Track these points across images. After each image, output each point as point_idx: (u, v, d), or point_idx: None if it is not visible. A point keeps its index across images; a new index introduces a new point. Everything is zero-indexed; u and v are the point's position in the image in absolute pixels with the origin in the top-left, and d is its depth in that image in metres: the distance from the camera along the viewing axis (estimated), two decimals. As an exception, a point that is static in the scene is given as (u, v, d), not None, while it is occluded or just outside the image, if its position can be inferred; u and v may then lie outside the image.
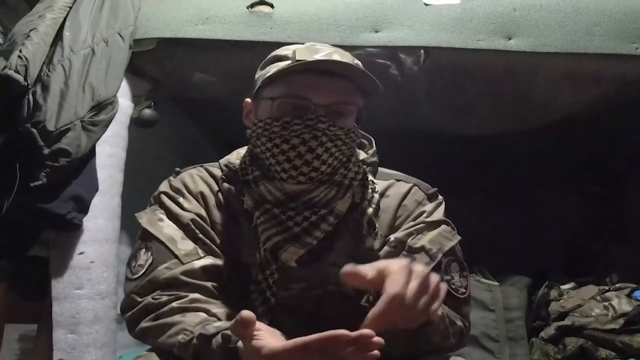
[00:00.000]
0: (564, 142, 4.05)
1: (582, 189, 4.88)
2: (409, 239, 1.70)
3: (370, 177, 1.79)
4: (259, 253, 1.68)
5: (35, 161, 2.25)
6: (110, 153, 2.58)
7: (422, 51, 2.74)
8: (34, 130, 2.25)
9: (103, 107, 2.43)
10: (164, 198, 1.77)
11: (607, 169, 4.62)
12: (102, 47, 2.53)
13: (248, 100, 1.79)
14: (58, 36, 2.48)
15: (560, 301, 3.33)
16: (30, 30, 2.41)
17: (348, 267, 1.28)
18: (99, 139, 2.44)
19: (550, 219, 4.83)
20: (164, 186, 1.82)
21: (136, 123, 2.78)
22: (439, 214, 1.78)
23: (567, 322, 3.14)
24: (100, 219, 2.49)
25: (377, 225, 1.74)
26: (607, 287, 3.39)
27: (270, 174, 1.68)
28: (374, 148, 1.88)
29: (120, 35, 2.60)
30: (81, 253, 2.42)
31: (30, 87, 2.32)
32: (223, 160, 1.84)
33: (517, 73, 2.87)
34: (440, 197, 1.85)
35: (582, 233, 4.63)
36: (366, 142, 1.91)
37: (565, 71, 2.85)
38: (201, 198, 1.78)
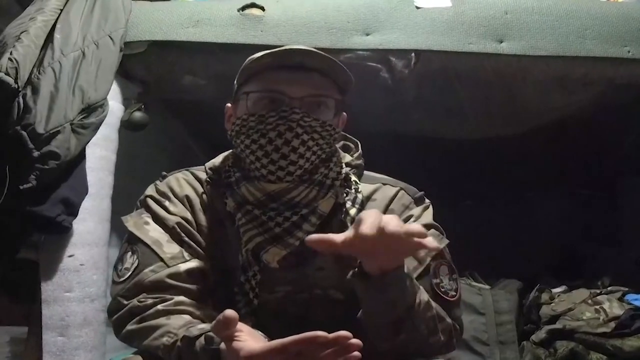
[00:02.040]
0: (555, 146, 4.05)
1: (573, 192, 4.88)
2: None
3: (354, 179, 1.79)
4: (241, 255, 1.69)
5: (25, 164, 2.24)
6: (100, 156, 2.58)
7: (412, 54, 2.73)
8: (24, 133, 2.25)
9: (93, 109, 2.43)
10: (150, 202, 1.78)
11: (598, 172, 4.62)
12: (93, 49, 2.52)
13: (229, 105, 1.80)
14: (49, 39, 2.48)
15: (552, 304, 3.33)
16: (21, 33, 2.40)
17: (312, 236, 1.32)
18: (88, 142, 2.44)
19: (541, 222, 4.84)
20: (150, 190, 1.83)
21: (126, 126, 2.77)
22: (427, 218, 1.78)
23: (558, 325, 3.14)
24: (90, 222, 2.49)
25: None
26: (598, 291, 3.39)
27: (251, 174, 1.68)
28: (360, 151, 1.88)
29: (111, 38, 2.60)
30: (71, 256, 2.41)
31: (20, 89, 2.31)
32: (208, 164, 1.85)
33: (508, 76, 2.87)
34: (427, 200, 1.85)
35: (573, 236, 4.64)
36: (352, 146, 1.92)
37: (557, 74, 2.85)
38: (187, 201, 1.79)
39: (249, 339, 1.25)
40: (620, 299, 3.29)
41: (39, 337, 2.36)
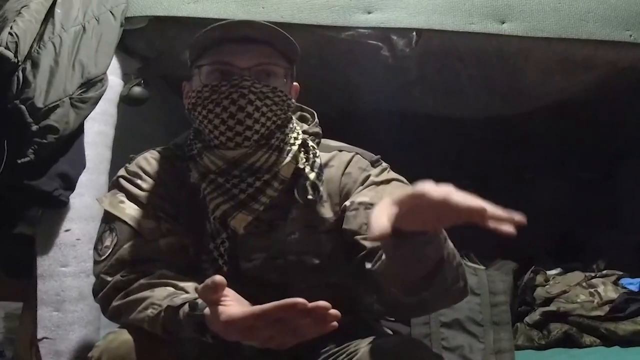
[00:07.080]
0: (556, 128, 4.06)
1: (573, 175, 4.89)
2: (366, 199, 1.72)
3: (311, 144, 1.82)
4: (209, 223, 1.72)
5: (23, 138, 2.25)
6: (98, 130, 2.58)
7: (414, 33, 2.74)
8: (23, 107, 2.25)
9: (92, 84, 2.43)
10: (122, 181, 1.80)
11: (596, 155, 4.63)
12: (94, 24, 2.52)
13: (185, 82, 1.83)
14: (49, 13, 2.47)
15: (546, 287, 3.35)
16: (22, 7, 2.40)
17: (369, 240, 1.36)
18: (87, 116, 2.43)
19: (538, 204, 4.83)
20: (121, 171, 1.85)
21: (125, 101, 2.77)
22: (386, 176, 1.79)
23: (552, 307, 3.16)
24: (87, 197, 2.49)
25: (320, 188, 1.76)
26: (593, 274, 3.41)
27: (211, 143, 1.72)
28: (316, 121, 1.92)
29: (112, 13, 2.59)
30: (67, 230, 2.42)
31: (20, 63, 2.31)
32: (172, 142, 1.90)
33: (510, 57, 2.88)
34: (384, 163, 1.86)
35: (570, 219, 4.65)
36: (309, 116, 1.95)
37: (558, 56, 2.86)
38: (158, 178, 1.81)
39: (234, 304, 1.28)
40: (615, 283, 3.31)
41: (34, 313, 2.36)
